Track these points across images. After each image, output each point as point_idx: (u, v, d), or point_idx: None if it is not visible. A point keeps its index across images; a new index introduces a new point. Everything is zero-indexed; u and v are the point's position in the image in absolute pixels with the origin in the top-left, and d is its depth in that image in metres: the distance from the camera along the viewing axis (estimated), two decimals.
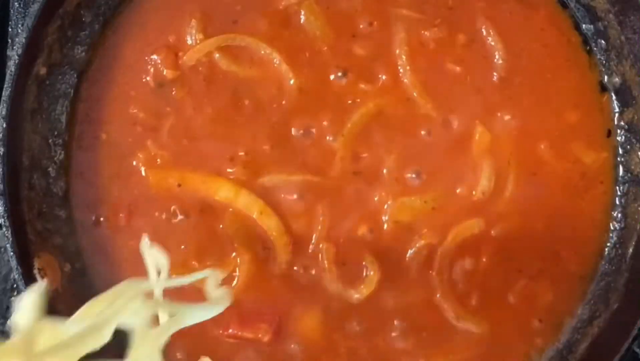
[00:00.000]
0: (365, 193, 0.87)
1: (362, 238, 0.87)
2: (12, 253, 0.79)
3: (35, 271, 0.81)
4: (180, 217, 0.87)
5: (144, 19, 0.89)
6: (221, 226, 0.87)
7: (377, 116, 0.88)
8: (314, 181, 0.87)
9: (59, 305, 0.82)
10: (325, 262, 0.86)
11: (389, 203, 0.87)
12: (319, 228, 0.87)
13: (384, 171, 0.87)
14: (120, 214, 0.87)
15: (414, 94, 0.88)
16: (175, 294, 0.68)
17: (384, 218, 0.87)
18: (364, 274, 0.86)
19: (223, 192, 0.86)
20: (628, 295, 0.85)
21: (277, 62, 0.88)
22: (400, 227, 0.87)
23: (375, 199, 0.87)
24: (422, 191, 0.87)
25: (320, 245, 0.86)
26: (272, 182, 0.87)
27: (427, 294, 0.87)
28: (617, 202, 0.90)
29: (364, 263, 0.86)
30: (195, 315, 0.67)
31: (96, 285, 0.86)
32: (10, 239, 0.79)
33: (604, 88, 0.91)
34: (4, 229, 0.80)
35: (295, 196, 0.87)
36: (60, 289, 0.83)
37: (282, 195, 0.87)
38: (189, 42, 0.89)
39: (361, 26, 0.89)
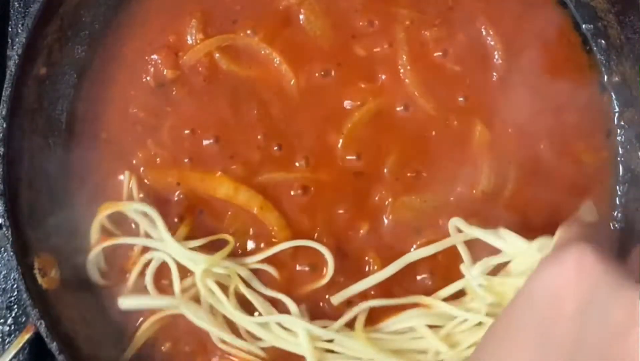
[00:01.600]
0: (365, 191, 0.87)
1: (363, 236, 0.87)
2: (12, 253, 0.79)
3: (36, 271, 0.81)
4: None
5: (144, 19, 0.89)
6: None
7: (377, 115, 0.88)
8: (314, 180, 0.87)
9: (59, 305, 0.82)
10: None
11: (389, 201, 0.87)
12: (320, 222, 0.87)
13: (385, 170, 0.87)
14: None
15: (415, 93, 0.88)
16: None
17: (385, 216, 0.87)
18: (367, 270, 0.87)
19: (223, 189, 0.86)
20: None
21: (277, 62, 0.88)
22: (401, 225, 0.87)
23: (376, 198, 0.87)
24: (422, 190, 0.87)
25: (325, 240, 0.86)
26: (272, 180, 0.87)
27: (429, 291, 0.87)
28: (617, 202, 0.90)
29: (366, 257, 0.86)
30: None
31: (97, 285, 0.86)
32: (10, 239, 0.79)
33: (604, 88, 0.91)
34: (4, 229, 0.79)
35: (295, 195, 0.87)
36: (60, 289, 0.83)
37: (282, 193, 0.87)
38: (189, 42, 0.89)
39: (361, 26, 0.89)
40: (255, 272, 0.86)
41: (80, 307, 0.84)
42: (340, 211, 0.87)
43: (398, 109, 0.88)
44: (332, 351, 0.83)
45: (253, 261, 0.85)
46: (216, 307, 0.83)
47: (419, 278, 0.86)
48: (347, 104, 0.88)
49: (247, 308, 0.84)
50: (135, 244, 0.86)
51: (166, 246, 0.83)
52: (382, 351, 0.82)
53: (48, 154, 0.86)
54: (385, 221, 0.87)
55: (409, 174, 0.87)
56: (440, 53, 0.89)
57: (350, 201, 0.87)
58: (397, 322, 0.83)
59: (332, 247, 0.86)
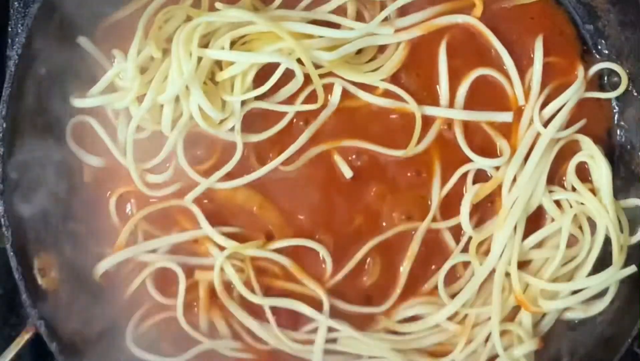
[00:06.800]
0: (364, 188, 0.87)
1: (360, 230, 0.87)
2: (12, 253, 0.79)
3: (35, 272, 0.81)
4: None
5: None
6: None
7: (376, 113, 0.88)
8: (314, 178, 0.87)
9: (59, 305, 0.82)
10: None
11: (387, 197, 0.87)
12: (319, 220, 0.87)
13: (383, 168, 0.87)
14: None
15: (414, 90, 0.88)
16: None
17: (382, 210, 0.87)
18: (367, 264, 0.88)
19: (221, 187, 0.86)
20: (628, 295, 0.85)
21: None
22: (399, 220, 0.87)
23: (371, 193, 0.87)
24: (420, 187, 0.88)
25: (318, 236, 0.87)
26: (271, 179, 0.86)
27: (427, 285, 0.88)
28: None
29: (365, 252, 0.87)
30: None
31: (96, 285, 0.87)
32: (10, 239, 0.79)
33: (603, 87, 0.91)
34: (4, 229, 0.79)
35: (295, 193, 0.87)
36: (60, 289, 0.83)
37: (281, 191, 0.87)
38: None
39: None
40: None
41: (80, 307, 0.84)
42: (338, 208, 0.87)
43: (397, 106, 0.88)
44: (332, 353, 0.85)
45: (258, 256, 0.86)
46: (221, 298, 0.84)
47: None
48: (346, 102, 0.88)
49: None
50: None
51: (204, 233, 0.85)
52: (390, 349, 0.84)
53: (48, 154, 0.85)
54: (382, 214, 0.87)
55: (408, 173, 0.88)
56: (437, 49, 0.88)
57: (348, 197, 0.87)
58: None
59: (331, 243, 0.87)
